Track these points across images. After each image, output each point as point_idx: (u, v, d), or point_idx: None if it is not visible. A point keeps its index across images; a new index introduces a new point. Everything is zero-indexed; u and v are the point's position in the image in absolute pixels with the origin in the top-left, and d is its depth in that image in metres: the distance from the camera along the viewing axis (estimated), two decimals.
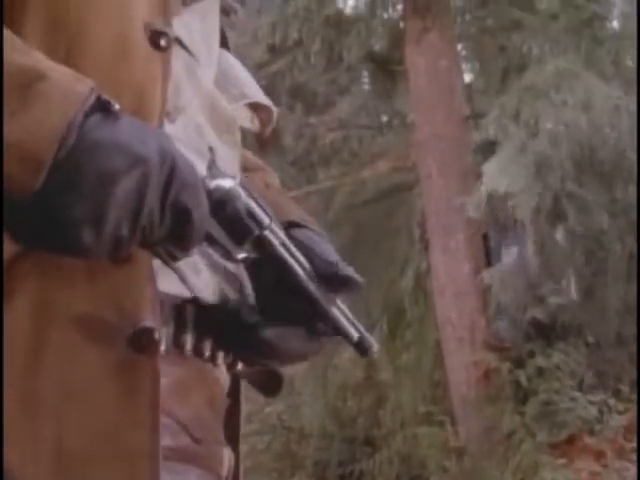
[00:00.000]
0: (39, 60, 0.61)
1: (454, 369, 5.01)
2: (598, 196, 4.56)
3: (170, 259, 0.66)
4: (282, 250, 0.70)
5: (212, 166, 0.70)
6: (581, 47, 4.04)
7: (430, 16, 4.67)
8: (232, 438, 0.78)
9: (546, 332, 4.89)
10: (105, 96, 0.62)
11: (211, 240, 0.67)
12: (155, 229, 0.62)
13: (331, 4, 4.73)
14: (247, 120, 0.83)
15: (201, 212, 0.64)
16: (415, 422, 5.16)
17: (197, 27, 0.76)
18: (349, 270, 0.74)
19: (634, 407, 4.44)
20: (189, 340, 0.71)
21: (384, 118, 5.92)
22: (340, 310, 0.73)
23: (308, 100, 5.54)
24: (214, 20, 0.81)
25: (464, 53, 5.27)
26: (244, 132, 0.82)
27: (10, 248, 0.63)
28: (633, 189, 4.83)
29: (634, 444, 4.26)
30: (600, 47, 4.06)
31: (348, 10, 5.12)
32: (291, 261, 0.71)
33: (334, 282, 0.73)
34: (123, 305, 0.65)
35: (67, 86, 0.60)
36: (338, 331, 0.73)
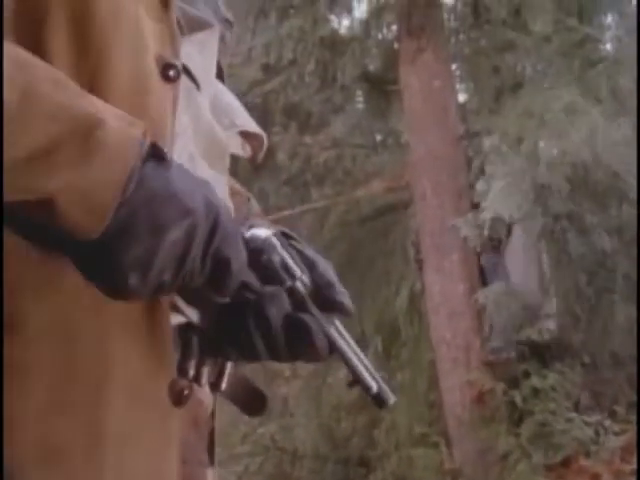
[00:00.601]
0: (94, 104, 0.63)
1: (449, 390, 4.98)
2: (593, 216, 4.57)
3: (203, 301, 0.70)
4: (310, 303, 0.74)
5: (250, 215, 0.74)
6: (574, 68, 4.06)
7: (424, 37, 4.69)
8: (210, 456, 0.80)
9: (541, 352, 4.87)
10: (156, 141, 0.64)
11: (246, 288, 0.70)
12: (195, 276, 0.66)
13: (326, 25, 4.75)
14: (238, 147, 0.85)
15: (239, 262, 0.68)
16: (410, 443, 5.12)
17: (197, 57, 0.78)
18: (345, 296, 0.77)
19: (631, 428, 4.41)
20: (192, 366, 0.73)
21: (378, 137, 5.93)
22: (356, 355, 0.75)
23: (302, 119, 5.54)
24: (212, 50, 0.83)
25: (458, 73, 5.30)
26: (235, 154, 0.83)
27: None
28: (627, 209, 4.84)
29: (632, 466, 4.22)
30: (593, 69, 4.08)
31: (343, 31, 5.14)
32: (318, 313, 0.74)
33: (328, 304, 0.75)
34: (162, 359, 0.70)
35: (124, 133, 0.62)
36: (357, 381, 0.75)
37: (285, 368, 6.18)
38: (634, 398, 4.47)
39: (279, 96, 4.82)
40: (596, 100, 4.00)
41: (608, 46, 4.47)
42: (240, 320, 0.72)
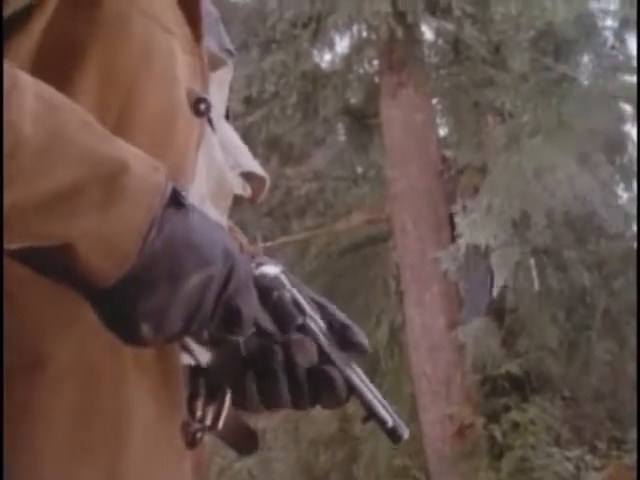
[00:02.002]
0: (120, 148, 0.62)
1: (429, 423, 4.96)
2: (572, 251, 4.61)
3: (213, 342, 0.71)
4: (323, 338, 0.74)
5: (257, 255, 0.75)
6: (552, 105, 4.12)
7: (405, 72, 4.75)
8: None
9: (521, 386, 4.86)
10: (177, 186, 0.64)
11: (257, 327, 0.71)
12: (205, 324, 0.65)
13: (308, 59, 4.78)
14: (240, 187, 0.85)
15: (250, 312, 0.67)
16: (390, 477, 5.07)
17: (217, 96, 0.78)
18: (362, 336, 0.76)
19: (612, 463, 4.40)
20: (200, 407, 0.73)
21: (359, 170, 5.96)
22: (370, 391, 0.75)
23: (284, 151, 5.56)
24: (226, 89, 0.83)
25: (439, 107, 5.35)
26: None
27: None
28: (605, 243, 4.89)
29: None
30: (569, 105, 4.15)
31: (324, 65, 5.19)
32: (330, 349, 0.74)
33: (346, 345, 0.75)
34: (175, 400, 0.70)
35: (148, 179, 0.62)
36: (372, 415, 0.75)
37: None
38: (615, 433, 4.47)
39: (261, 128, 4.84)
40: (573, 139, 4.06)
41: (585, 83, 4.54)
42: (266, 368, 0.71)
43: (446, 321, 4.98)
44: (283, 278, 0.73)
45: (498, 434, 4.72)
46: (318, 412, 5.66)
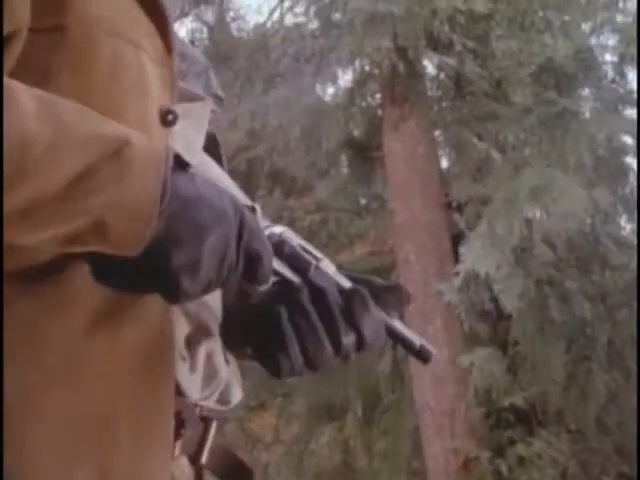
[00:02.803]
0: (116, 127, 0.67)
1: (433, 457, 4.91)
2: (576, 282, 4.60)
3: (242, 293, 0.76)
4: (340, 275, 0.80)
5: (260, 220, 0.80)
6: (555, 138, 4.15)
7: (407, 105, 4.79)
8: None
9: (526, 419, 4.82)
10: (177, 152, 0.69)
11: (279, 276, 0.77)
12: (232, 272, 0.70)
13: (311, 93, 4.84)
14: None
15: (269, 254, 0.72)
16: None
17: (190, 128, 0.83)
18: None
19: None
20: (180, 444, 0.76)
21: (362, 202, 5.98)
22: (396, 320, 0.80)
23: (287, 183, 5.59)
24: (200, 122, 0.87)
25: (441, 140, 5.39)
26: None
27: None
28: (609, 274, 4.88)
29: None
30: (571, 138, 4.18)
31: (327, 98, 5.24)
32: (342, 280, 0.80)
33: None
34: (166, 394, 0.73)
35: (148, 148, 0.67)
36: (399, 339, 0.81)
37: (267, 433, 6.06)
38: (623, 468, 4.41)
39: (264, 161, 4.88)
40: (576, 169, 4.08)
41: (587, 116, 4.59)
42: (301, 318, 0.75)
43: (449, 353, 4.95)
44: (289, 233, 0.79)
45: (504, 468, 4.66)
46: (321, 445, 5.60)
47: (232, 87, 4.87)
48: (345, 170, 5.71)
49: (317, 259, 0.79)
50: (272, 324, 0.76)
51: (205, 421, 0.80)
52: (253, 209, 0.78)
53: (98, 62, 0.71)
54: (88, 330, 0.68)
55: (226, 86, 5.05)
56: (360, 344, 0.77)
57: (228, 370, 0.83)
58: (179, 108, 0.78)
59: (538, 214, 4.28)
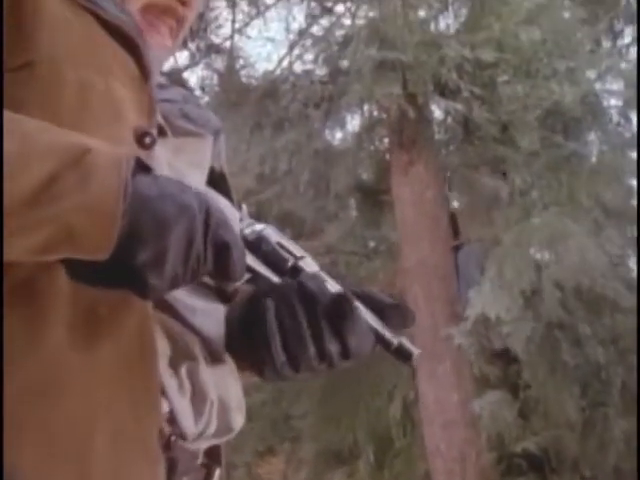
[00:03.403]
0: (79, 137, 0.70)
1: None
2: (586, 324, 4.58)
3: (220, 292, 0.77)
4: (326, 276, 0.79)
5: (243, 218, 0.82)
6: (563, 182, 4.18)
7: (415, 149, 4.84)
8: None
9: (539, 465, 4.74)
10: (140, 156, 0.71)
11: (253, 272, 0.76)
12: (201, 265, 0.70)
13: (320, 138, 4.90)
14: None
15: (238, 245, 0.72)
16: None
17: (170, 159, 0.85)
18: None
19: None
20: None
21: (371, 245, 6.00)
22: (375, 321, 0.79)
23: (296, 226, 5.62)
24: (198, 157, 0.91)
25: (449, 183, 5.43)
26: None
27: None
28: (620, 317, 4.85)
29: None
30: (579, 181, 4.21)
31: (336, 143, 5.30)
32: (330, 284, 0.79)
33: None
34: (150, 406, 0.74)
35: (110, 153, 0.69)
36: (377, 338, 0.79)
37: (275, 479, 5.98)
38: None
39: (273, 205, 4.92)
40: (584, 212, 4.10)
41: (594, 159, 4.62)
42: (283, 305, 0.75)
43: (460, 397, 4.91)
44: (269, 230, 0.80)
45: None
46: None
47: (242, 132, 4.94)
48: (354, 213, 5.75)
49: (296, 257, 0.79)
50: (258, 315, 0.76)
51: (207, 467, 0.81)
52: (239, 207, 0.81)
53: (66, 92, 0.75)
54: (64, 344, 0.70)
55: (236, 131, 5.12)
56: (345, 353, 0.77)
57: (225, 393, 0.83)
58: (173, 142, 0.83)
59: (547, 257, 4.29)
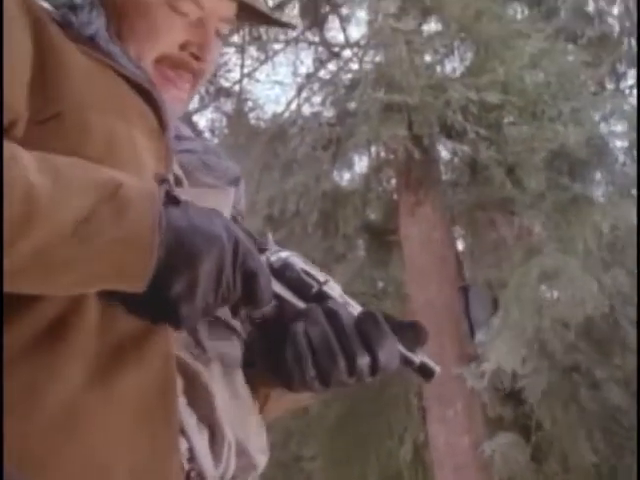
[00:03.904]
0: (109, 172, 0.74)
1: None
2: (598, 365, 4.54)
3: (248, 319, 0.80)
4: (342, 299, 0.83)
5: (269, 246, 0.84)
6: (570, 222, 4.19)
7: (422, 190, 4.88)
8: None
9: None
10: (168, 187, 0.75)
11: (279, 299, 0.80)
12: (231, 293, 0.74)
13: (328, 179, 4.94)
14: None
15: (265, 272, 0.76)
16: None
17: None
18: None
19: None
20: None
21: (379, 285, 6.00)
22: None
23: None
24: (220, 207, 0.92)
25: (457, 224, 5.45)
26: None
27: None
28: (630, 358, 4.81)
29: None
30: (587, 221, 4.22)
31: (344, 183, 5.35)
32: (353, 307, 0.83)
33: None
34: (170, 442, 0.76)
35: (140, 187, 0.73)
36: (400, 356, 0.82)
37: None
38: None
39: (282, 246, 4.93)
40: (590, 253, 4.10)
41: (600, 200, 4.64)
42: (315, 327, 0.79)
43: (471, 439, 4.85)
44: (294, 257, 0.83)
45: None
46: None
47: (251, 174, 4.99)
48: (362, 254, 5.76)
49: (320, 283, 0.82)
50: (287, 337, 0.79)
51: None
52: (265, 237, 0.84)
53: (94, 138, 0.78)
54: (86, 379, 0.71)
55: (245, 173, 5.16)
56: (374, 367, 0.80)
57: (244, 434, 0.84)
58: (190, 192, 0.84)
59: (555, 296, 4.27)
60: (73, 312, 0.73)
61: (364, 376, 0.80)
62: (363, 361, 0.79)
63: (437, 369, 0.85)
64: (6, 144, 0.70)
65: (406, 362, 0.83)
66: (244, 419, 0.86)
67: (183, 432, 0.77)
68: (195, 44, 0.93)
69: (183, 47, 0.92)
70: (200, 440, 0.79)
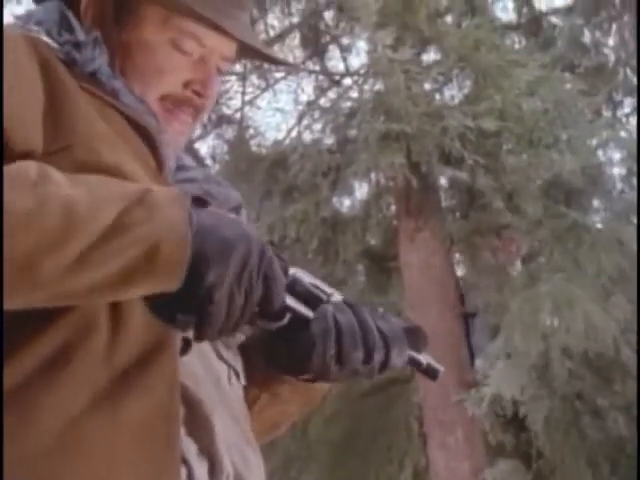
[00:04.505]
0: (132, 184, 0.79)
1: None
2: (599, 392, 4.52)
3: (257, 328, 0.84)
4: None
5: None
6: (569, 248, 4.21)
7: (422, 216, 4.91)
8: None
9: None
10: (194, 193, 0.79)
11: (292, 311, 0.83)
12: (253, 292, 0.76)
13: (328, 206, 4.98)
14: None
15: (281, 284, 0.79)
16: None
17: None
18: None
19: None
20: None
21: (379, 311, 6.00)
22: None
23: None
24: None
25: (456, 249, 5.47)
26: None
27: None
28: (631, 383, 4.79)
29: None
30: (583, 248, 4.24)
31: (344, 210, 5.39)
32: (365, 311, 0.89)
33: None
34: (172, 463, 0.77)
35: (168, 192, 0.77)
36: (409, 360, 0.88)
37: None
38: None
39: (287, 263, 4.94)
40: (592, 279, 4.11)
41: (598, 227, 4.67)
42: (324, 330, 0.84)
43: (471, 466, 4.83)
44: (301, 273, 0.87)
45: None
46: None
47: (251, 201, 5.03)
48: (362, 279, 5.78)
49: (328, 295, 0.87)
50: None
51: None
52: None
53: (103, 171, 0.81)
54: (89, 408, 0.73)
55: (245, 200, 5.20)
56: (385, 363, 0.86)
57: (243, 467, 0.85)
58: None
59: (556, 324, 4.27)
60: (80, 338, 0.76)
61: (374, 371, 0.86)
62: (378, 356, 0.85)
63: (441, 369, 0.90)
64: (36, 164, 0.75)
65: (413, 363, 0.89)
66: (244, 450, 0.87)
67: (184, 460, 0.79)
68: (197, 81, 0.96)
69: (186, 85, 0.96)
70: (200, 467, 0.80)
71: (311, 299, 0.85)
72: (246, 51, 1.00)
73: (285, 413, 1.01)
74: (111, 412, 0.74)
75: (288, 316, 0.83)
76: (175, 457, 0.76)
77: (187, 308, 0.74)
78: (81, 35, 0.91)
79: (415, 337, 0.90)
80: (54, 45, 0.89)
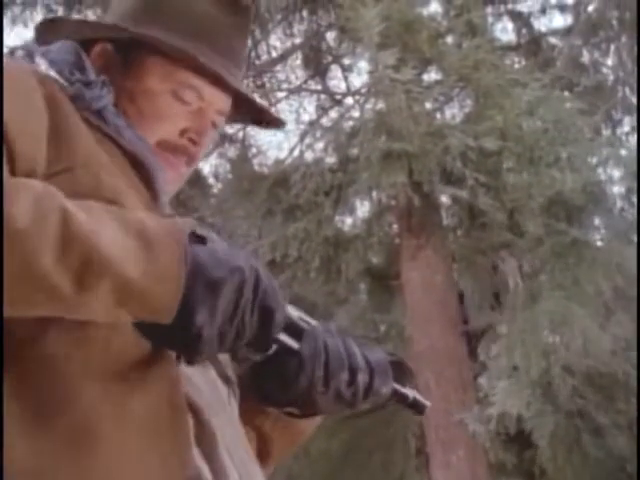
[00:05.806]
0: (130, 213, 0.81)
1: None
2: (601, 410, 4.51)
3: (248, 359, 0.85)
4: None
5: None
6: (569, 267, 4.23)
7: (424, 235, 4.93)
8: None
9: None
10: (192, 226, 0.80)
11: (279, 343, 0.85)
12: (246, 326, 0.78)
13: (330, 224, 5.00)
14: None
15: (282, 312, 0.81)
16: None
17: None
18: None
19: None
20: None
21: (382, 329, 6.01)
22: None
23: (307, 310, 5.64)
24: None
25: (458, 268, 5.48)
26: None
27: None
28: (634, 401, 4.78)
29: None
30: (586, 266, 4.25)
31: (346, 228, 5.41)
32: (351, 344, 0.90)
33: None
34: (182, 457, 0.80)
35: (166, 225, 0.79)
36: (393, 392, 0.89)
37: None
38: None
39: (285, 290, 4.95)
40: (592, 297, 4.12)
41: (599, 244, 4.68)
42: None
43: None
44: (290, 308, 0.89)
45: None
46: None
47: (253, 219, 5.06)
48: (364, 298, 5.79)
49: (311, 325, 0.90)
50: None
51: None
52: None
53: (102, 195, 0.84)
54: (97, 401, 0.75)
55: (247, 219, 5.24)
56: (369, 388, 0.87)
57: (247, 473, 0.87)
58: None
59: (557, 341, 4.28)
60: (76, 354, 0.78)
61: (358, 394, 0.87)
62: (362, 378, 0.87)
63: (428, 404, 0.90)
64: (40, 183, 0.78)
65: (398, 396, 0.89)
66: (247, 463, 0.89)
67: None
68: (194, 130, 1.02)
69: (182, 133, 1.02)
70: (205, 471, 0.82)
71: (299, 331, 0.88)
72: (240, 109, 1.07)
73: (264, 455, 1.02)
74: (119, 405, 0.77)
75: (274, 347, 0.85)
76: (183, 450, 0.79)
77: (178, 342, 0.77)
78: (92, 75, 0.97)
79: (400, 371, 0.92)
80: (62, 82, 0.95)
